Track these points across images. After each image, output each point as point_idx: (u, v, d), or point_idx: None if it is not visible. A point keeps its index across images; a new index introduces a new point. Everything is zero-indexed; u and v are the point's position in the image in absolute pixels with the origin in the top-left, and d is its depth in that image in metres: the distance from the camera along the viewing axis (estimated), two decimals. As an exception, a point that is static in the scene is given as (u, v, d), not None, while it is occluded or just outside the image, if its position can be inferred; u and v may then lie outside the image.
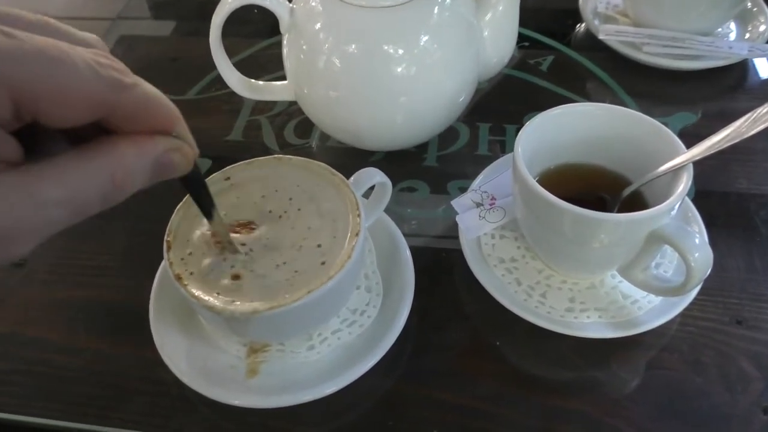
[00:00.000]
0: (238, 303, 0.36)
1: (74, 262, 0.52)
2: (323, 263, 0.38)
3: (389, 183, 0.44)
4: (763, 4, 0.70)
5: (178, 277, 0.37)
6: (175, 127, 0.25)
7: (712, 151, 0.40)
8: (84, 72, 0.21)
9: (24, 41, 0.20)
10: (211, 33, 0.52)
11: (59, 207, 0.22)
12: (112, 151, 0.23)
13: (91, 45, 0.23)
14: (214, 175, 0.42)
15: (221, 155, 0.59)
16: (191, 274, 0.37)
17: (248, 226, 0.39)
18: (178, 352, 0.42)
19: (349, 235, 0.39)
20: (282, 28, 0.53)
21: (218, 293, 0.36)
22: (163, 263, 0.45)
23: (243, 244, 0.38)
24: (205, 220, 0.40)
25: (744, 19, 0.71)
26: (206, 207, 0.34)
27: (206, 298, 0.36)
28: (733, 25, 0.71)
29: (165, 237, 0.39)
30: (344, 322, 0.44)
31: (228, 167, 0.43)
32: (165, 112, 0.25)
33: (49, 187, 0.21)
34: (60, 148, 0.23)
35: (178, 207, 0.41)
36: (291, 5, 0.51)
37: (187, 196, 0.41)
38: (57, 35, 0.22)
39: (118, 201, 0.24)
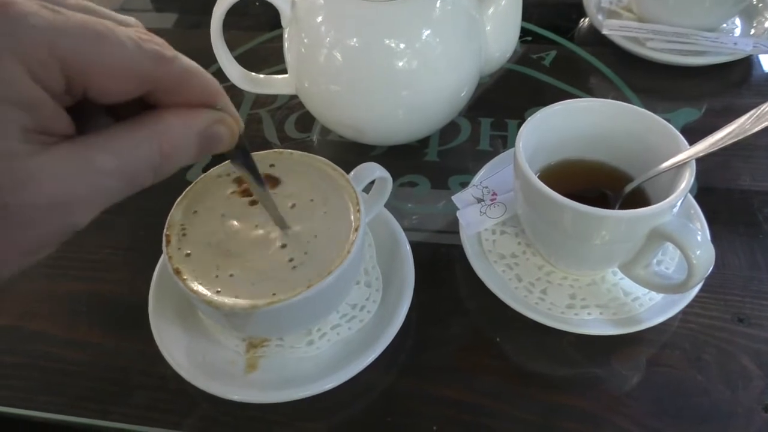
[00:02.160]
0: (238, 298, 0.36)
1: (75, 256, 0.52)
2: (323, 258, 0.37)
3: (390, 178, 0.44)
4: (769, 0, 0.70)
5: (178, 272, 0.37)
6: (218, 99, 0.26)
7: (715, 148, 0.40)
8: (128, 46, 0.22)
9: (72, 16, 0.21)
10: (212, 26, 0.52)
11: (113, 177, 0.23)
12: (158, 122, 0.24)
13: (129, 24, 0.24)
14: (212, 169, 0.42)
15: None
16: (190, 268, 0.37)
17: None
18: (177, 347, 0.41)
19: (349, 230, 0.39)
20: (283, 22, 0.53)
21: (217, 288, 0.36)
22: (162, 257, 0.45)
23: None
24: (203, 214, 0.40)
25: (749, 14, 0.70)
26: (256, 179, 0.34)
27: (205, 292, 0.36)
28: (737, 21, 0.70)
29: (164, 231, 0.39)
30: (344, 317, 0.44)
31: (227, 161, 0.43)
32: (206, 85, 0.25)
33: (102, 156, 0.22)
34: (106, 126, 0.23)
35: (177, 201, 0.41)
36: (292, -2, 0.51)
37: (187, 189, 0.41)
38: (97, 15, 0.23)
39: (168, 173, 0.25)
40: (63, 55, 0.20)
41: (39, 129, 0.21)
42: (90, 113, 0.24)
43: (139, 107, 0.24)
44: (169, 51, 0.24)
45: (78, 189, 0.22)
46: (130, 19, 0.24)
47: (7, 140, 0.20)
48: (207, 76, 0.25)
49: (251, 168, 0.33)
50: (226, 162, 0.42)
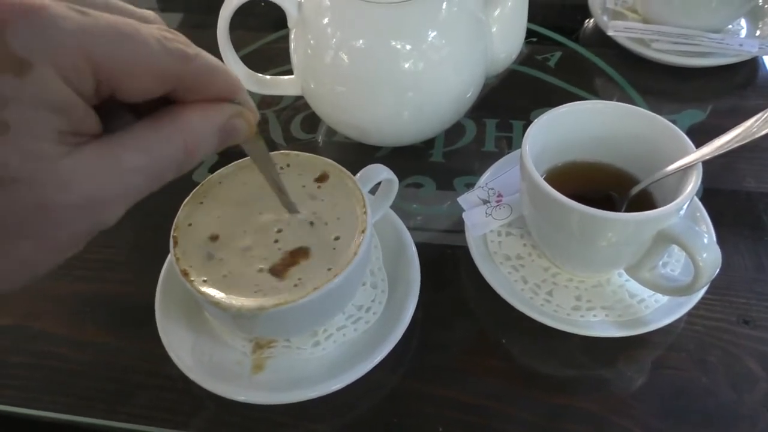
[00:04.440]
0: (245, 299, 0.36)
1: (81, 256, 0.51)
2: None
3: (395, 179, 0.44)
4: (774, 1, 0.70)
5: (185, 273, 0.37)
6: (237, 94, 0.26)
7: (721, 151, 0.40)
8: (154, 46, 0.22)
9: (99, 18, 0.21)
10: (218, 26, 0.52)
11: (141, 174, 0.23)
12: (181, 118, 0.24)
13: (151, 21, 0.24)
14: (220, 170, 0.42)
15: (228, 150, 0.59)
16: (198, 270, 0.37)
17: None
18: (183, 348, 0.42)
19: (355, 231, 0.39)
20: (289, 23, 0.53)
21: (225, 289, 0.36)
22: (169, 258, 0.45)
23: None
24: (211, 215, 0.40)
25: (755, 16, 0.70)
26: (272, 170, 0.34)
27: (213, 294, 0.36)
28: (743, 22, 0.70)
29: (171, 232, 0.39)
30: (350, 318, 0.44)
31: (234, 162, 0.43)
32: (227, 80, 0.26)
33: (130, 154, 0.23)
34: (129, 123, 0.24)
35: (184, 202, 0.41)
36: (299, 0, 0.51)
37: (194, 191, 0.41)
38: (122, 13, 0.23)
39: (190, 168, 0.25)
40: (94, 58, 0.21)
41: (71, 131, 0.21)
42: (113, 110, 0.24)
43: (158, 102, 0.24)
44: (192, 49, 0.24)
45: (109, 187, 0.22)
46: (150, 15, 0.25)
47: (43, 143, 0.21)
48: (227, 71, 0.26)
49: (266, 159, 0.33)
50: (233, 163, 0.43)
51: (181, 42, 0.24)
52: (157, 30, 0.23)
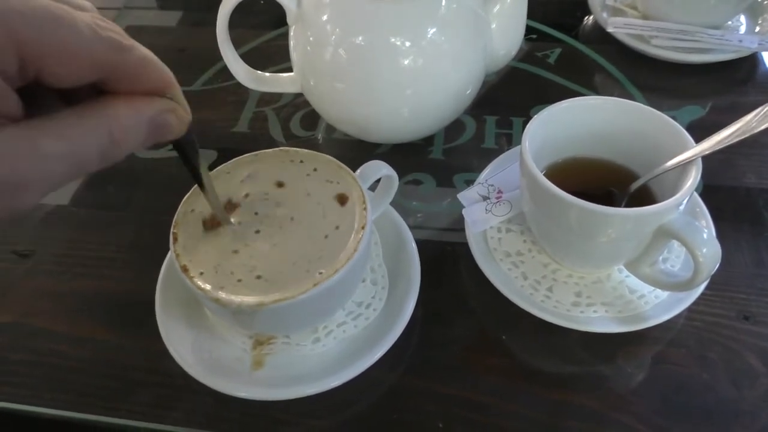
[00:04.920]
0: (244, 295, 0.36)
1: (80, 253, 0.52)
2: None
3: (395, 176, 0.44)
4: (774, -3, 0.69)
5: (185, 269, 0.37)
6: (170, 89, 0.26)
7: (721, 146, 0.40)
8: (85, 32, 0.22)
9: (28, 0, 0.21)
10: (218, 24, 0.52)
11: (60, 160, 0.23)
12: (108, 108, 0.24)
13: (86, 10, 0.24)
14: (220, 167, 0.42)
15: (227, 147, 0.59)
16: (198, 266, 0.37)
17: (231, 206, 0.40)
18: (183, 344, 0.42)
19: (355, 228, 0.39)
20: (289, 20, 0.53)
21: (224, 285, 0.36)
22: (169, 254, 0.45)
23: (257, 231, 0.38)
24: (210, 213, 0.40)
25: (754, 12, 0.70)
26: (199, 176, 0.34)
27: (212, 290, 0.36)
28: (743, 18, 0.70)
29: (171, 229, 0.39)
30: (350, 315, 0.44)
31: (233, 159, 0.43)
32: (160, 75, 0.26)
33: (50, 140, 0.22)
34: (56, 110, 0.24)
35: (184, 198, 0.41)
36: (298, -4, 0.51)
37: (194, 187, 0.41)
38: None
39: (116, 159, 0.25)
40: (18, 37, 0.21)
41: None
42: (40, 97, 0.24)
43: (91, 93, 0.24)
44: (127, 40, 0.24)
45: (23, 172, 0.22)
46: (86, 4, 0.24)
47: None
48: (161, 65, 0.26)
49: (194, 163, 0.33)
50: (233, 160, 0.43)
51: (116, 32, 0.24)
52: (91, 17, 0.23)
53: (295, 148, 0.43)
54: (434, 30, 0.49)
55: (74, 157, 0.23)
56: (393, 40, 0.48)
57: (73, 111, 0.23)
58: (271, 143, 0.60)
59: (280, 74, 0.57)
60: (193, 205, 0.40)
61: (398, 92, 0.50)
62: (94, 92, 0.24)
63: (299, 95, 0.58)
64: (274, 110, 0.64)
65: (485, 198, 0.49)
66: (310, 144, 0.60)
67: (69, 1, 0.24)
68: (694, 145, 0.41)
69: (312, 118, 0.62)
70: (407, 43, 0.48)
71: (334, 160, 0.42)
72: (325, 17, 0.50)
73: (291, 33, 0.54)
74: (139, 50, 0.24)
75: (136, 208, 0.54)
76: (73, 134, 0.23)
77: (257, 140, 0.61)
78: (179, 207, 0.40)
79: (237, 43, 0.54)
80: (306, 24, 0.51)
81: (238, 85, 0.57)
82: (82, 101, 0.24)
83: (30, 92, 0.23)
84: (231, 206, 0.40)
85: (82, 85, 0.23)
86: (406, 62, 0.48)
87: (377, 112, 0.52)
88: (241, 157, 0.43)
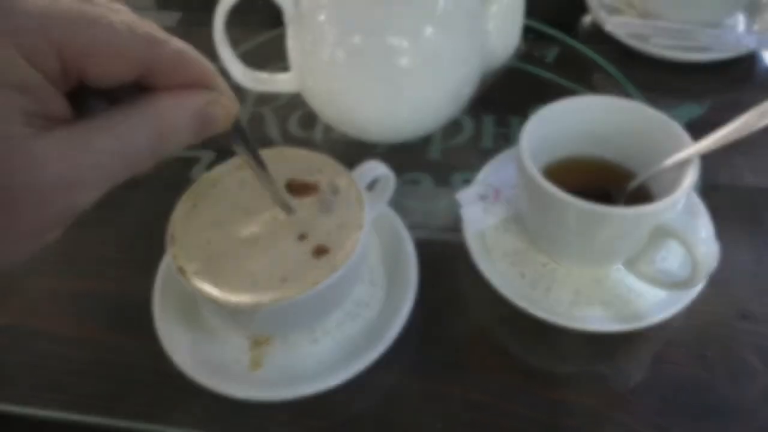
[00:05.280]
0: (242, 296, 0.36)
1: (79, 254, 0.52)
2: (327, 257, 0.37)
3: (393, 176, 0.44)
4: (772, -4, 0.69)
5: (182, 270, 0.37)
6: (212, 80, 0.26)
7: (719, 145, 0.40)
8: (120, 30, 0.23)
9: (63, 3, 0.22)
10: (214, 23, 0.52)
11: (113, 158, 0.23)
12: (153, 104, 0.25)
13: (120, 9, 0.25)
14: (216, 167, 0.42)
15: (225, 147, 0.59)
16: (194, 266, 0.37)
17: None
18: (181, 345, 0.42)
19: (352, 228, 0.39)
20: (286, 19, 0.53)
21: (222, 286, 0.36)
22: (166, 255, 0.45)
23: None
24: (208, 212, 0.40)
25: (752, 10, 0.70)
26: (262, 164, 0.34)
27: (209, 290, 0.36)
28: (741, 17, 0.70)
29: (168, 229, 0.39)
30: (348, 315, 0.44)
31: (231, 159, 0.43)
32: (200, 67, 0.26)
33: (101, 138, 0.23)
34: (103, 110, 0.24)
35: (182, 198, 0.40)
36: (295, -4, 0.51)
37: (191, 188, 0.41)
38: (89, 2, 0.23)
39: (166, 154, 0.25)
40: (57, 41, 0.21)
41: (38, 113, 0.22)
42: (87, 98, 0.24)
43: (135, 91, 0.24)
44: (161, 34, 0.24)
45: (79, 170, 0.22)
46: (119, 4, 0.25)
47: (9, 123, 0.21)
48: (200, 57, 0.26)
49: (251, 149, 0.33)
50: (229, 160, 0.43)
51: (151, 28, 0.24)
52: (126, 15, 0.23)
53: (291, 148, 0.43)
54: (432, 29, 0.49)
55: (126, 153, 0.24)
56: (390, 39, 0.48)
57: (119, 109, 0.24)
58: (269, 143, 0.60)
59: (278, 74, 0.57)
60: (191, 204, 0.40)
61: (396, 92, 0.50)
62: (137, 91, 0.25)
63: (297, 95, 0.58)
64: (271, 110, 0.64)
65: (483, 197, 0.49)
66: (308, 144, 0.60)
67: (102, 3, 0.24)
68: (692, 143, 0.41)
69: (310, 117, 0.62)
70: (405, 43, 0.48)
71: (332, 159, 0.42)
72: (322, 17, 0.49)
73: (288, 33, 0.54)
74: (175, 43, 0.25)
75: (136, 207, 0.54)
76: (122, 131, 0.23)
77: (255, 140, 0.61)
78: (176, 206, 0.40)
79: (234, 43, 0.54)
80: (303, 24, 0.51)
81: (236, 85, 0.56)
82: (127, 100, 0.24)
83: (76, 95, 0.23)
84: None
85: (125, 84, 0.24)
86: (403, 62, 0.48)
87: (375, 112, 0.52)
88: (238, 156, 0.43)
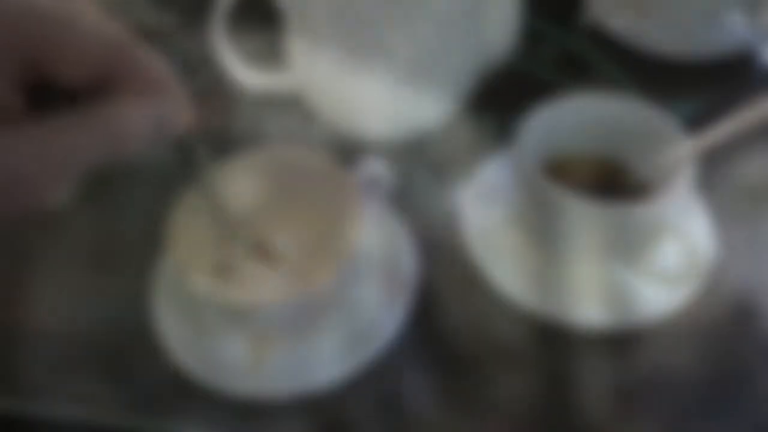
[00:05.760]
0: (243, 295, 0.36)
1: (79, 253, 0.52)
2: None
3: (389, 175, 0.44)
4: (771, -7, 0.69)
5: (183, 269, 0.37)
6: (169, 87, 0.27)
7: (717, 142, 0.40)
8: (86, 32, 0.23)
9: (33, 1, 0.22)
10: (214, 23, 0.52)
11: (62, 157, 0.23)
12: (110, 105, 0.25)
13: (87, 10, 0.25)
14: (214, 167, 0.42)
15: (220, 147, 0.59)
16: (195, 265, 0.37)
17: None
18: (182, 343, 0.42)
19: (352, 227, 0.39)
20: (286, 19, 0.53)
21: (223, 285, 0.36)
22: (167, 254, 0.45)
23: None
24: (208, 210, 0.40)
25: (752, 7, 0.70)
26: (202, 177, 0.35)
27: (210, 289, 0.36)
28: (739, 15, 0.70)
29: (169, 228, 0.39)
30: (347, 315, 0.43)
31: (228, 160, 0.43)
32: (157, 73, 0.26)
33: (51, 137, 0.23)
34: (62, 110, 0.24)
35: (182, 198, 0.41)
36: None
37: (192, 185, 0.41)
38: None
39: (121, 156, 0.25)
40: (21, 38, 0.22)
41: None
42: (46, 97, 0.25)
43: (95, 92, 0.25)
44: (126, 37, 0.25)
45: (25, 168, 0.22)
46: (87, 4, 0.25)
47: None
48: (160, 63, 0.26)
49: (196, 167, 0.34)
50: (227, 161, 0.43)
51: (116, 30, 0.24)
52: (92, 15, 0.24)
53: (288, 147, 0.43)
54: (428, 27, 0.49)
55: (77, 153, 0.24)
56: (389, 37, 0.48)
57: (78, 110, 0.24)
58: (267, 142, 0.60)
59: (275, 74, 0.57)
60: (191, 202, 0.40)
61: (393, 91, 0.50)
62: (98, 92, 0.25)
63: (295, 94, 0.58)
64: (270, 109, 0.64)
65: (483, 197, 0.50)
66: (306, 142, 0.60)
67: (71, 2, 0.24)
68: (691, 141, 0.41)
69: (308, 116, 0.62)
70: (403, 42, 0.48)
71: (329, 159, 0.42)
72: (321, 16, 0.50)
73: (287, 32, 0.54)
74: (138, 48, 0.25)
75: (136, 205, 0.54)
76: (79, 131, 0.24)
77: (253, 140, 0.61)
78: (177, 204, 0.40)
79: (234, 42, 0.55)
80: (302, 23, 0.51)
81: (234, 84, 0.56)
82: (87, 101, 0.25)
83: (36, 94, 0.24)
84: None
85: (87, 85, 0.24)
86: (401, 60, 0.48)
87: (372, 110, 0.52)
88: (241, 155, 0.43)
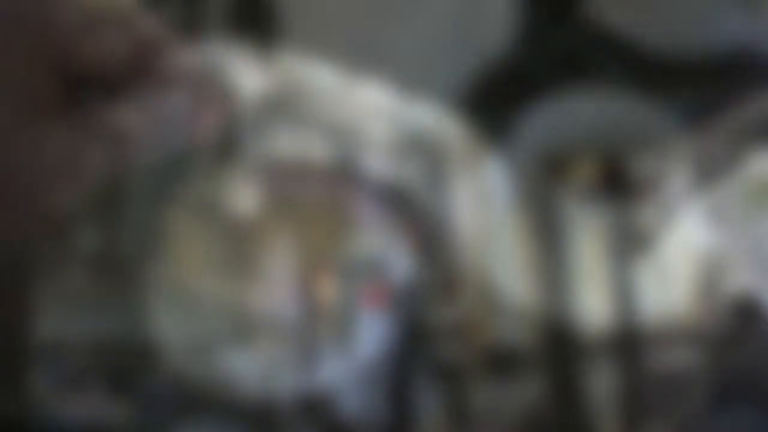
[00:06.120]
0: (245, 301, 0.36)
1: (80, 262, 0.51)
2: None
3: (388, 175, 0.44)
4: (769, -8, 0.70)
5: (183, 275, 0.37)
6: (202, 81, 0.27)
7: (716, 142, 0.40)
8: (118, 33, 0.25)
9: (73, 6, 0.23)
10: (213, 22, 0.52)
11: (106, 149, 0.25)
12: (149, 100, 0.26)
13: (120, 9, 0.26)
14: (213, 170, 0.42)
15: (220, 149, 0.59)
16: (196, 271, 0.37)
17: None
18: (183, 351, 0.41)
19: (350, 230, 0.39)
20: (282, 18, 0.53)
21: (224, 291, 0.36)
22: (167, 260, 0.45)
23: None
24: (208, 213, 0.40)
25: (750, 7, 0.70)
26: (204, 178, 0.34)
27: (213, 295, 0.36)
28: (737, 14, 0.70)
29: (169, 233, 0.39)
30: (347, 316, 0.44)
31: (228, 163, 0.43)
32: (192, 67, 0.29)
33: (95, 128, 0.24)
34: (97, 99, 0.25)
35: (182, 201, 0.40)
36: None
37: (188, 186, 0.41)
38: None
39: (157, 155, 0.27)
40: (59, 29, 0.22)
41: (34, 103, 0.23)
42: (82, 93, 0.25)
43: (129, 84, 0.25)
44: (157, 39, 0.25)
45: (75, 157, 0.24)
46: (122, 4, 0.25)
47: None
48: (193, 57, 0.26)
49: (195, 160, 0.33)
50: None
51: (147, 32, 0.26)
52: (124, 17, 0.25)
53: (292, 148, 0.43)
54: (424, 24, 0.49)
55: (118, 145, 0.25)
56: (386, 37, 0.48)
57: (114, 103, 0.25)
58: (267, 144, 0.60)
59: (273, 74, 0.56)
60: (192, 205, 0.40)
61: (392, 90, 0.50)
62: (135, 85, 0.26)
63: (293, 95, 0.58)
64: (269, 111, 0.64)
65: (481, 196, 0.49)
66: (306, 143, 0.60)
67: (100, 4, 0.25)
68: (688, 140, 0.41)
69: (306, 117, 0.62)
70: (401, 41, 0.48)
71: (329, 159, 0.42)
72: (319, 16, 0.50)
73: (285, 32, 0.54)
74: (171, 42, 0.27)
75: (136, 211, 0.54)
76: (116, 121, 0.25)
77: (252, 142, 0.61)
78: (178, 209, 0.40)
79: (233, 42, 0.54)
80: (300, 23, 0.51)
81: (234, 85, 0.56)
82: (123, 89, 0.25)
83: (72, 89, 0.24)
84: None
85: (122, 77, 0.25)
86: (400, 59, 0.48)
87: (371, 110, 0.52)
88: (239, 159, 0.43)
